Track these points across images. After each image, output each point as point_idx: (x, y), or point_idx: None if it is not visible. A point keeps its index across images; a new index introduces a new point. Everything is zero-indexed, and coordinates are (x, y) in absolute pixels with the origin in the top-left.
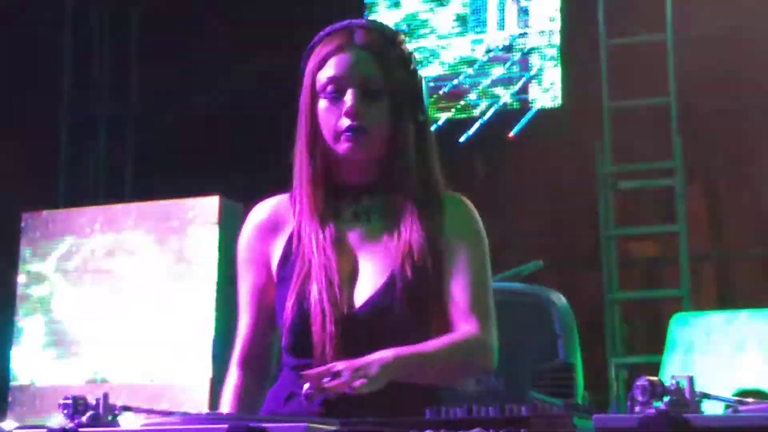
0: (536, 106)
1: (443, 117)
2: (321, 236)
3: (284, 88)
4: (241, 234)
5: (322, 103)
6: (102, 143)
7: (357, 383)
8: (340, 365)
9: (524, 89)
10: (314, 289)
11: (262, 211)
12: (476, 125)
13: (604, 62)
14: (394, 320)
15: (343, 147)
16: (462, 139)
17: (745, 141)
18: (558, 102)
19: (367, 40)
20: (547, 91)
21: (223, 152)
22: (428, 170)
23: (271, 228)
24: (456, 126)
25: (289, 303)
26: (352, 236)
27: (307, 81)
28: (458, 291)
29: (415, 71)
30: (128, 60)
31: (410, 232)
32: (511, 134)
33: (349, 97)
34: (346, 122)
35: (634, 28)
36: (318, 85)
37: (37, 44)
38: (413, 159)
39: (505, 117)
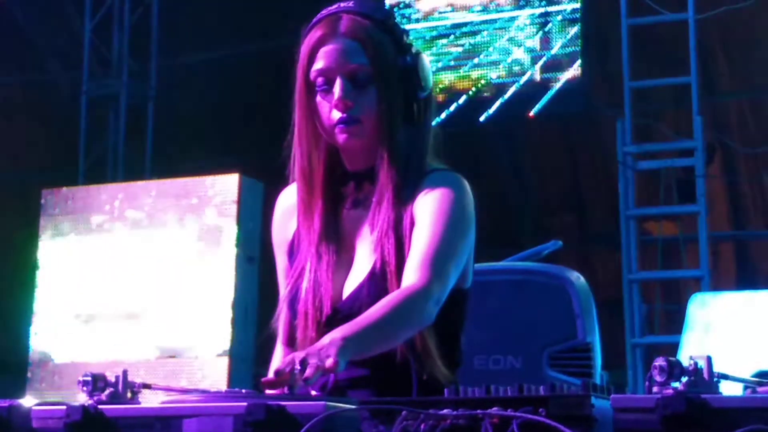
0: (557, 85)
1: (463, 96)
2: (316, 232)
3: None
4: (273, 218)
5: (317, 97)
6: (122, 121)
7: (328, 364)
8: (299, 355)
9: (545, 68)
10: (303, 290)
11: (283, 198)
12: (497, 104)
13: (625, 41)
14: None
15: (339, 138)
16: (482, 118)
17: (765, 120)
18: (579, 81)
19: (351, 27)
20: (567, 71)
21: (244, 130)
22: (420, 150)
23: (290, 214)
24: (476, 105)
25: (283, 300)
26: (351, 224)
27: (299, 74)
28: (413, 249)
29: (407, 50)
30: (148, 38)
31: (384, 221)
32: (532, 113)
33: (336, 89)
34: (337, 114)
35: (655, 7)
36: (310, 79)
37: (57, 22)
38: (403, 142)
39: (526, 96)
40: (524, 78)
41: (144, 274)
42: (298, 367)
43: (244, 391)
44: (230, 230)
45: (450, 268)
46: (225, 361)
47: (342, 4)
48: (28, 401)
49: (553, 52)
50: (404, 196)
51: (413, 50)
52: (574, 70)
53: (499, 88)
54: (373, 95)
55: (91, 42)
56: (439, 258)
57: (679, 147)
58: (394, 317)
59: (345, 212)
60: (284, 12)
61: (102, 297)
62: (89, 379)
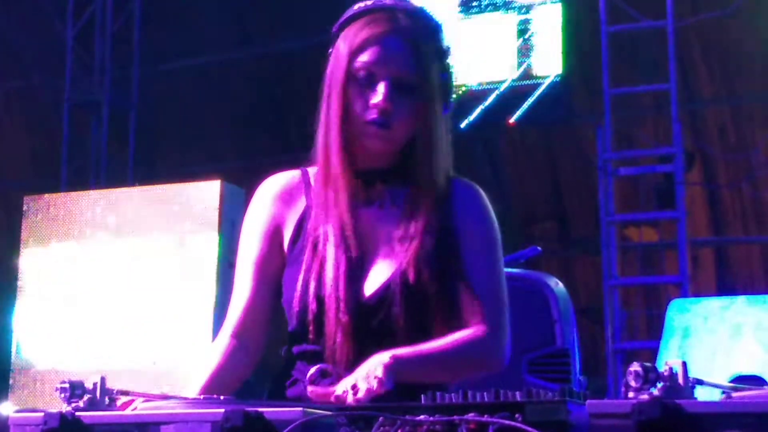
0: (537, 92)
1: None
2: (342, 219)
3: (284, 75)
4: (251, 204)
5: (351, 86)
6: (104, 128)
7: (376, 386)
8: (350, 381)
9: (526, 75)
10: (329, 275)
11: (275, 182)
12: (477, 111)
13: (605, 49)
14: (399, 313)
15: (366, 136)
16: (463, 125)
17: (743, 127)
18: (559, 89)
19: (409, 29)
20: (547, 77)
21: (225, 137)
22: (445, 161)
23: (286, 200)
24: (457, 112)
25: (300, 286)
26: (365, 221)
27: (341, 58)
28: (473, 286)
29: (449, 65)
30: (130, 45)
31: (422, 225)
32: (512, 120)
33: (381, 91)
34: (372, 113)
35: (634, 15)
36: (351, 66)
37: (40, 29)
38: (437, 153)
39: (506, 103)
40: (505, 85)
41: (125, 281)
42: (351, 392)
43: (222, 397)
44: (212, 237)
45: (506, 304)
46: None
47: (399, 2)
48: (6, 408)
49: (533, 59)
50: (439, 204)
51: (451, 66)
52: (555, 78)
53: (480, 95)
54: (410, 104)
55: (74, 49)
56: (500, 300)
57: (659, 154)
58: (461, 354)
59: (356, 207)
60: (266, 20)
61: (83, 304)
62: (67, 386)
